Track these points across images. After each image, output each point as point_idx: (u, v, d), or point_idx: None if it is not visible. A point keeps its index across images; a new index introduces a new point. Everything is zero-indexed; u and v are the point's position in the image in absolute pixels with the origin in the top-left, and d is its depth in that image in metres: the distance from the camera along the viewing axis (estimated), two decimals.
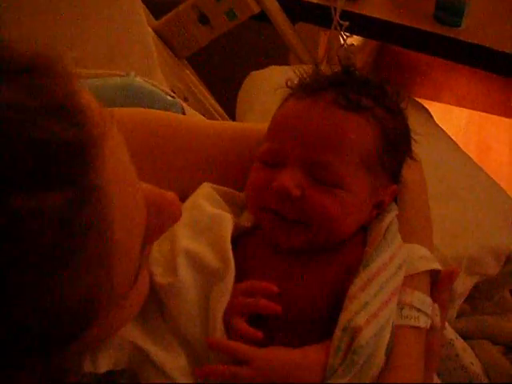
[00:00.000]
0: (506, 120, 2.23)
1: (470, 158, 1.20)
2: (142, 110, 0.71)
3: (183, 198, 0.63)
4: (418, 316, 0.60)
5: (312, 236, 0.60)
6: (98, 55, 1.05)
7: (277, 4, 1.36)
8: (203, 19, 1.37)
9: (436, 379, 0.77)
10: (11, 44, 0.36)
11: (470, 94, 2.29)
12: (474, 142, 2.15)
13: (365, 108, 0.62)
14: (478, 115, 2.24)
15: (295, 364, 0.55)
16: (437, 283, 0.64)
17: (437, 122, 1.32)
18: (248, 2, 1.34)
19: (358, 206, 0.61)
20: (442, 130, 1.28)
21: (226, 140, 0.70)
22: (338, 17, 1.28)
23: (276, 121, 0.65)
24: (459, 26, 1.27)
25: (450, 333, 0.84)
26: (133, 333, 0.55)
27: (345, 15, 1.30)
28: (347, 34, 1.33)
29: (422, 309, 0.60)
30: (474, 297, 0.99)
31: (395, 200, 0.67)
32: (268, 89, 1.25)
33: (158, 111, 0.72)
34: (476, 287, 0.98)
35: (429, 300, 0.62)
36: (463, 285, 0.94)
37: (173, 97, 0.86)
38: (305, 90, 0.65)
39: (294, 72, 0.69)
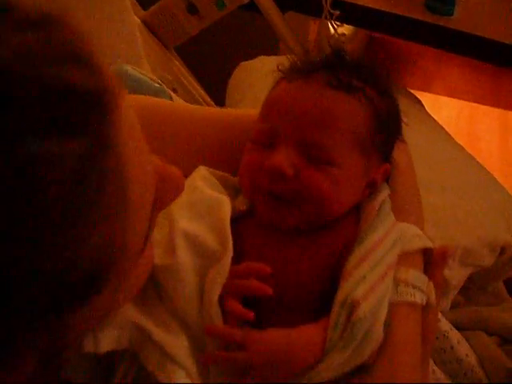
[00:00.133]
0: (497, 110, 2.23)
1: (462, 147, 1.19)
2: (134, 96, 0.70)
3: None
4: (414, 292, 0.60)
5: (306, 215, 0.60)
6: None
7: None
8: (192, 9, 1.35)
9: (432, 364, 0.77)
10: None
11: (461, 84, 2.29)
12: (464, 132, 2.15)
13: (356, 89, 0.62)
14: (468, 105, 2.25)
15: (292, 343, 0.54)
16: (430, 262, 0.64)
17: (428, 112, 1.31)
18: None
19: (351, 183, 0.62)
20: (433, 119, 1.27)
21: (219, 126, 0.70)
22: (328, 6, 1.27)
23: (268, 102, 0.65)
24: (451, 14, 1.26)
25: (444, 324, 0.83)
26: (133, 314, 0.55)
27: (335, 4, 1.28)
28: (338, 23, 1.32)
29: (418, 285, 0.60)
30: (469, 288, 0.99)
31: (387, 181, 0.67)
32: (258, 79, 1.24)
33: (150, 97, 0.73)
34: (470, 278, 0.97)
35: (424, 277, 0.62)
36: (457, 276, 0.94)
37: (160, 84, 0.85)
38: (296, 72, 0.65)
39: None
